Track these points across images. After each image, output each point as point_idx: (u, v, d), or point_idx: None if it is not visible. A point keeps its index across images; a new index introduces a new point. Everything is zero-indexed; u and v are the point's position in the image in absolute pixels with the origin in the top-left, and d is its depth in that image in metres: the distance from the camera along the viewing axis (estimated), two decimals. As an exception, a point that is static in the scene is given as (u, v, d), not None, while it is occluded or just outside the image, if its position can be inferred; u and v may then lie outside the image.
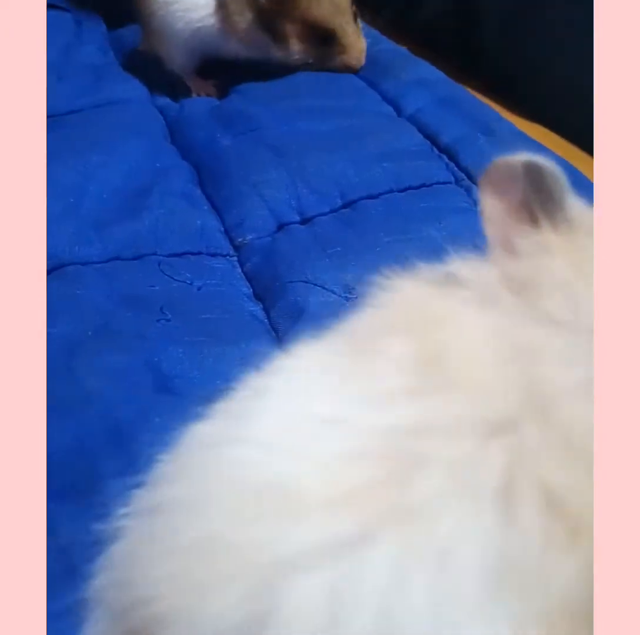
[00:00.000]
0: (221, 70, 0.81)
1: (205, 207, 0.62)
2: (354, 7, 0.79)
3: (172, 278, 0.54)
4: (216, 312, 0.52)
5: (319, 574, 0.20)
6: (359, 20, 0.80)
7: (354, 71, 0.80)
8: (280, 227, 0.60)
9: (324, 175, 0.62)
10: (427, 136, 0.67)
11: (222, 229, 0.61)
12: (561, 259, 0.25)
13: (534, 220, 0.28)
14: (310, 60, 0.79)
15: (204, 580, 0.21)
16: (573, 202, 0.28)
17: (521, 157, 0.28)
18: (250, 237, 0.59)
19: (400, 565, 0.19)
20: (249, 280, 0.57)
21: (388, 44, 0.86)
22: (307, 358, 0.26)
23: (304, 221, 0.60)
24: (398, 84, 0.76)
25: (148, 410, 0.43)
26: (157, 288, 0.54)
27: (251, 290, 0.56)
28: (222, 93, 0.79)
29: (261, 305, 0.54)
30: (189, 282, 0.54)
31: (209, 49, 0.80)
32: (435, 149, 0.66)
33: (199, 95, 0.80)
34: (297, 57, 0.78)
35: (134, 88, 0.79)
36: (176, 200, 0.61)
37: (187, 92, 0.81)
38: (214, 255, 0.58)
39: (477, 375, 0.22)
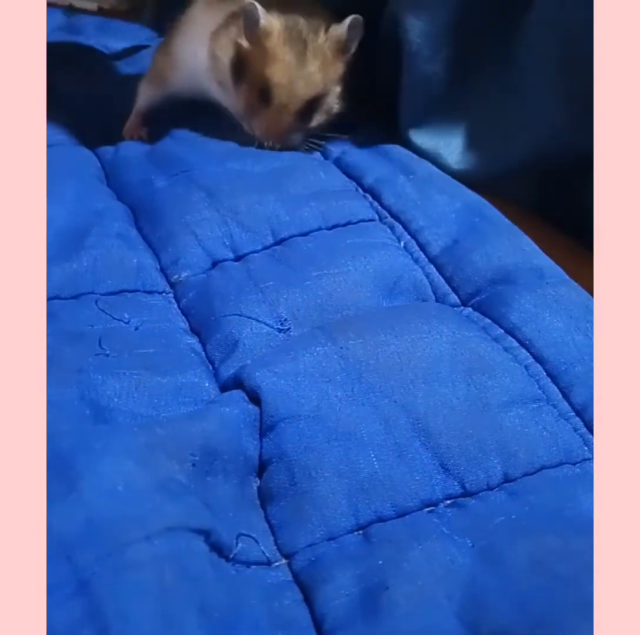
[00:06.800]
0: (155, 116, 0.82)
1: (141, 247, 0.65)
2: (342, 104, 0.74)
3: (111, 317, 0.56)
4: (154, 347, 0.54)
5: None
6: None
7: (259, 142, 0.72)
8: (215, 264, 0.62)
9: (256, 214, 0.65)
10: (352, 177, 0.71)
11: (158, 267, 0.63)
12: None
13: None
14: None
15: None
16: None
17: None
18: (185, 274, 0.62)
19: None
20: (185, 315, 0.59)
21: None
22: None
23: (238, 258, 0.63)
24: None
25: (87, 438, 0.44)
26: (96, 327, 0.55)
27: (187, 324, 0.58)
28: (153, 138, 0.79)
29: (197, 339, 0.57)
30: (126, 321, 0.56)
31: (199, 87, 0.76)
32: (359, 189, 0.70)
33: (132, 138, 0.81)
34: (237, 108, 0.73)
35: (63, 131, 0.81)
36: (113, 241, 0.63)
37: (119, 136, 0.81)
38: (150, 292, 0.61)
39: None
